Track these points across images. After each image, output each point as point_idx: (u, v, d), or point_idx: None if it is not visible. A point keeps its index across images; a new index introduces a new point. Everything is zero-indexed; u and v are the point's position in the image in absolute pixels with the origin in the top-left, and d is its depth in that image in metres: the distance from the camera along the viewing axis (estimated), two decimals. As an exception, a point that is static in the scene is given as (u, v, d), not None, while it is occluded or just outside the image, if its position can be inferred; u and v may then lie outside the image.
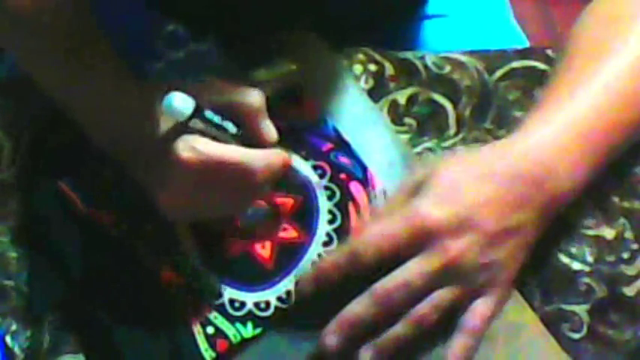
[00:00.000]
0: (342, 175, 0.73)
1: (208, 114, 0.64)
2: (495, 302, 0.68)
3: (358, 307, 0.67)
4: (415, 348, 0.67)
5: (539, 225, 0.69)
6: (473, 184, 0.68)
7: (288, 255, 0.70)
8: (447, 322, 0.67)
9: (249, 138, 0.67)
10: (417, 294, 0.67)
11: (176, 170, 0.64)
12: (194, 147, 0.64)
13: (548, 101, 0.71)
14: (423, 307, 0.67)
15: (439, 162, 0.70)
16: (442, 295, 0.67)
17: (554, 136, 0.69)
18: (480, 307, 0.68)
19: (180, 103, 0.62)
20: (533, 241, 0.69)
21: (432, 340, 0.68)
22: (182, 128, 0.64)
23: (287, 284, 0.69)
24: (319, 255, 0.70)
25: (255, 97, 0.67)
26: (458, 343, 0.67)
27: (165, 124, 0.66)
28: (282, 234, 0.71)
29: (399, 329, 0.67)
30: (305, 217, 0.72)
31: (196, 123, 0.63)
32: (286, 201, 0.72)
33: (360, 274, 0.68)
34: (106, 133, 0.71)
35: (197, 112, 0.63)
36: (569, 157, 0.68)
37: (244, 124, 0.67)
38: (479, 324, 0.67)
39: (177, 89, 0.63)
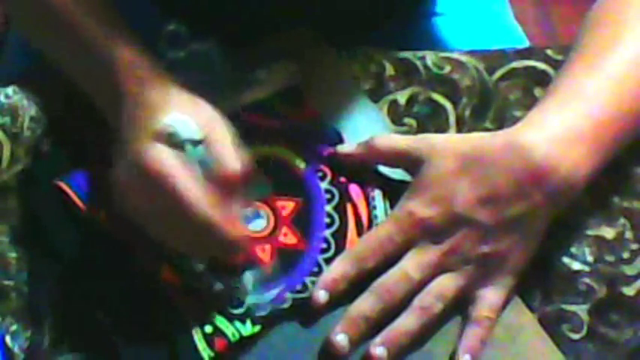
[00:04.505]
0: (342, 178, 0.73)
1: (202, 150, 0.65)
2: (504, 291, 0.69)
3: (363, 304, 0.68)
4: (426, 340, 0.68)
5: (547, 212, 0.68)
6: (466, 179, 0.68)
7: (287, 260, 0.70)
8: (459, 314, 0.69)
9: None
10: (416, 285, 0.68)
11: (134, 164, 0.64)
12: (163, 162, 0.64)
13: (556, 93, 0.71)
14: (425, 297, 0.68)
15: (434, 146, 0.70)
16: (443, 285, 0.68)
17: (562, 127, 0.68)
18: (489, 296, 0.68)
19: (189, 129, 0.64)
20: (543, 227, 0.69)
21: (443, 332, 0.68)
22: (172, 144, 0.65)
23: (284, 291, 0.69)
24: (317, 263, 0.70)
25: (233, 165, 0.65)
26: (469, 332, 0.68)
27: (161, 128, 0.65)
28: (281, 239, 0.71)
29: (404, 321, 0.68)
30: (305, 221, 0.72)
31: (190, 154, 0.65)
32: (286, 204, 0.72)
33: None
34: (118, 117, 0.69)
35: (194, 144, 0.64)
36: (579, 148, 0.68)
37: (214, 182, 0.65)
38: (488, 313, 0.68)
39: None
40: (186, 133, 0.65)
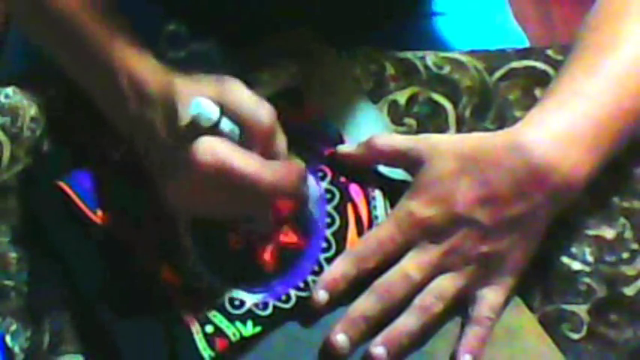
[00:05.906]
0: (342, 178, 0.73)
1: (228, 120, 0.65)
2: (504, 291, 0.69)
3: (363, 304, 0.68)
4: (426, 340, 0.68)
5: (547, 212, 0.68)
6: (466, 179, 0.68)
7: (288, 259, 0.70)
8: (459, 313, 0.69)
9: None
10: (417, 285, 0.68)
11: (190, 169, 0.64)
12: (214, 152, 0.64)
13: (556, 93, 0.71)
14: (425, 297, 0.68)
15: (434, 147, 0.70)
16: (443, 285, 0.68)
17: (562, 127, 0.68)
18: (489, 296, 0.68)
19: (208, 109, 0.63)
20: (543, 227, 0.69)
21: (443, 332, 0.68)
22: (205, 131, 0.64)
23: (285, 289, 0.69)
24: (318, 262, 0.70)
25: (264, 118, 0.66)
26: (469, 333, 0.68)
27: (187, 122, 0.65)
28: (282, 238, 0.71)
29: (405, 320, 0.68)
30: (305, 220, 0.72)
31: (222, 129, 0.64)
32: (287, 204, 0.72)
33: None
34: (127, 121, 0.70)
35: (221, 118, 0.64)
36: (579, 148, 0.68)
37: (254, 141, 0.66)
38: (488, 313, 0.68)
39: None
40: (210, 113, 0.64)
